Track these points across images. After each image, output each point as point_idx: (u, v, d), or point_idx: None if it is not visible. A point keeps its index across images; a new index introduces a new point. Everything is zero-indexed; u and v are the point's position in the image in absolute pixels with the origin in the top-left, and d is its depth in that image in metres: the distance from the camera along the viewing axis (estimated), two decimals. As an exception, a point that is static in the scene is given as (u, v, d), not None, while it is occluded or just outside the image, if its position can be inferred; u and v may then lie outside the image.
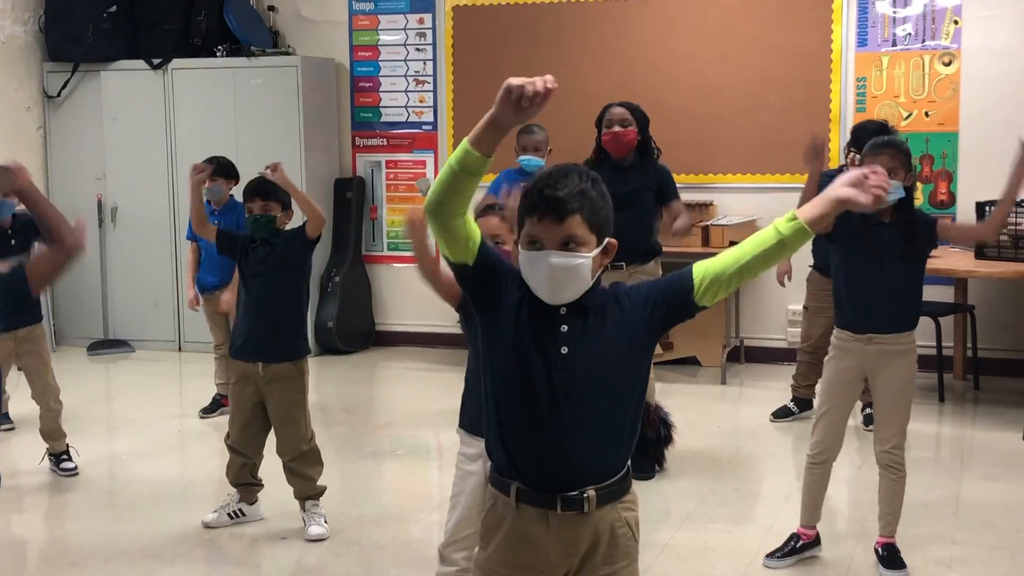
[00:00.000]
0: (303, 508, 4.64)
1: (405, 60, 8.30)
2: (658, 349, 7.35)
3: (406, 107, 8.34)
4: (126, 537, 4.63)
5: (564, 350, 2.30)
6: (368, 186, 8.43)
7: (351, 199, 8.33)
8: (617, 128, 5.21)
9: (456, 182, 2.23)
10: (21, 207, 5.33)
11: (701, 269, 2.34)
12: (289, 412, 4.58)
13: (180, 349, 8.30)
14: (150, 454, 5.86)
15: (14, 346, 5.21)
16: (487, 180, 6.68)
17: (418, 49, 8.26)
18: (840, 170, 5.94)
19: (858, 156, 5.66)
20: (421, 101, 8.29)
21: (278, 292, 4.58)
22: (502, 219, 3.30)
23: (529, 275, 2.30)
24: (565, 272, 2.27)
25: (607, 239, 2.34)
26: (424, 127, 8.29)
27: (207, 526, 4.67)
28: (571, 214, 2.26)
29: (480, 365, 2.45)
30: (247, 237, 4.64)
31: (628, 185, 5.11)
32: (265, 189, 4.56)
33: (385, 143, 8.40)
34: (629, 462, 2.42)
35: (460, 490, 3.32)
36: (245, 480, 4.72)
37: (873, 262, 3.99)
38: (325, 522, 4.60)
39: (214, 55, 8.14)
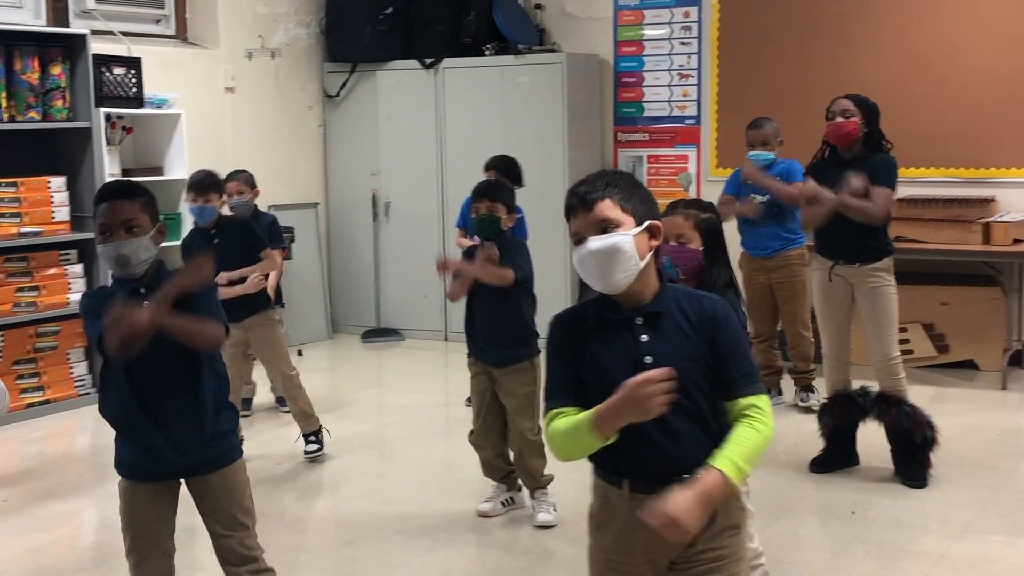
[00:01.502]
0: (532, 496, 4.75)
1: (669, 54, 8.26)
2: (932, 352, 7.08)
3: (669, 101, 8.30)
4: (397, 519, 4.82)
5: (648, 359, 2.38)
6: (630, 181, 8.43)
7: (613, 194, 8.36)
8: (839, 119, 5.04)
9: (583, 450, 2.40)
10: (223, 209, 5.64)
11: (743, 405, 2.38)
12: (521, 403, 4.66)
13: (446, 339, 8.55)
14: (418, 439, 6.08)
15: (242, 334, 5.41)
16: (725, 174, 6.66)
17: (683, 43, 8.20)
18: None
19: None
20: (684, 95, 8.23)
21: (498, 301, 4.64)
22: (686, 218, 3.39)
23: (582, 273, 2.39)
24: (607, 254, 2.34)
25: (650, 221, 2.40)
26: (687, 121, 8.23)
27: (483, 515, 4.78)
28: (599, 200, 2.37)
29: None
30: None
31: None
32: (492, 191, 4.68)
33: (647, 138, 8.39)
34: None
35: None
36: (501, 472, 4.84)
37: None
38: (554, 510, 4.68)
39: (483, 54, 8.34)
